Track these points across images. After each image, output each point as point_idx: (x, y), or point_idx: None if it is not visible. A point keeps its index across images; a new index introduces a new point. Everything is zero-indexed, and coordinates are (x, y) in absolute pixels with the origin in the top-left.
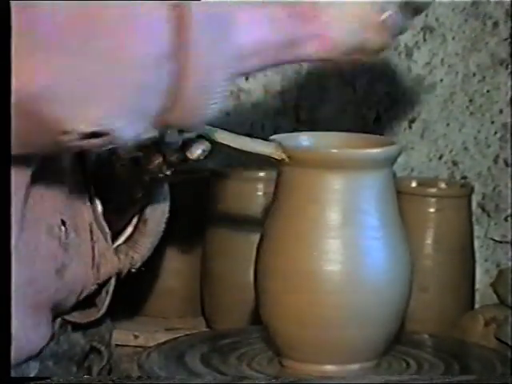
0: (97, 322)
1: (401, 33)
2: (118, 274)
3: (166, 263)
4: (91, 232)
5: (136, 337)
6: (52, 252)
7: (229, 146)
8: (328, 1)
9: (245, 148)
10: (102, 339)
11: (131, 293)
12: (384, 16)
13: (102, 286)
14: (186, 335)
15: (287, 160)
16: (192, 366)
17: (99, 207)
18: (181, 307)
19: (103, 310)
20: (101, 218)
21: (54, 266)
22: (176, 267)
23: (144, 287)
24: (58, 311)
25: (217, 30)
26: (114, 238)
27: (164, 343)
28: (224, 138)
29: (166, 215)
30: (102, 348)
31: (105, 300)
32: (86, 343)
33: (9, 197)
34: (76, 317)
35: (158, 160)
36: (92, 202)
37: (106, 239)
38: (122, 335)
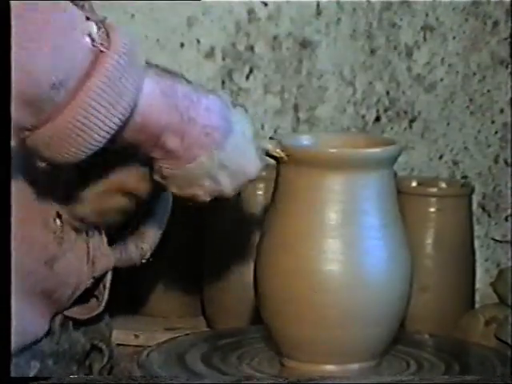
0: (97, 319)
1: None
2: (131, 266)
3: (166, 263)
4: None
5: (136, 336)
6: (43, 243)
7: None
8: None
9: None
10: (102, 337)
11: (131, 293)
12: None
13: (100, 280)
14: (186, 335)
15: (286, 158)
16: (192, 366)
17: None
18: (181, 307)
19: (103, 305)
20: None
21: (44, 256)
22: (176, 267)
23: (144, 287)
24: (56, 306)
25: (113, 97)
26: (119, 230)
27: (164, 343)
28: None
29: (170, 205)
30: (103, 346)
31: (103, 294)
32: (87, 342)
33: (9, 197)
34: (76, 312)
35: None
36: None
37: (100, 233)
38: (123, 335)
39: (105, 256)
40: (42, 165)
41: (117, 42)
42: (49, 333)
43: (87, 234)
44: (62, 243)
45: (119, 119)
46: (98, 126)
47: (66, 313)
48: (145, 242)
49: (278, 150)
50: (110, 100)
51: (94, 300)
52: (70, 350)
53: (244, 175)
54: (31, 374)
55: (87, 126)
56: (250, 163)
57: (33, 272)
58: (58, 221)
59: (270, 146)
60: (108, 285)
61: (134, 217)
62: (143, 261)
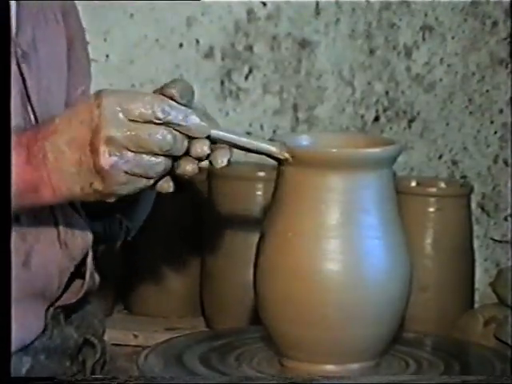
0: (88, 312)
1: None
2: (115, 243)
3: (165, 263)
4: (53, 211)
5: (135, 336)
6: (14, 246)
7: (233, 145)
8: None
9: (248, 146)
10: (95, 333)
11: (131, 293)
12: (101, 163)
13: (84, 262)
14: (186, 335)
15: (291, 160)
16: (191, 366)
17: None
18: (181, 307)
19: (86, 286)
20: None
21: (20, 260)
22: (176, 267)
23: (144, 287)
24: (48, 301)
25: None
26: (107, 209)
27: (163, 343)
28: (228, 136)
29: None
30: (96, 341)
31: (86, 274)
32: (79, 337)
33: (9, 197)
34: (65, 299)
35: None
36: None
37: (76, 211)
38: (122, 335)
39: (79, 236)
40: None
41: None
42: (45, 330)
43: (55, 220)
44: (26, 238)
45: None
46: None
47: (57, 303)
48: (130, 222)
49: (282, 152)
50: None
51: (79, 283)
52: (62, 346)
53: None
54: (23, 370)
55: None
56: None
57: (15, 277)
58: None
59: (275, 149)
60: (90, 264)
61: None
62: (128, 239)
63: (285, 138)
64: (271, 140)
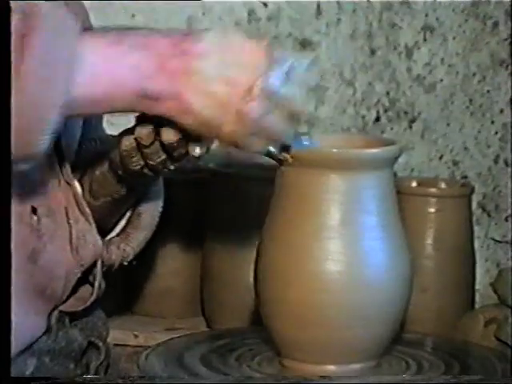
0: (91, 311)
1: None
2: (111, 267)
3: (165, 263)
4: (67, 215)
5: (136, 336)
6: (22, 239)
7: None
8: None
9: None
10: (99, 335)
11: (131, 293)
12: (247, 107)
13: (90, 270)
14: (186, 335)
15: (291, 160)
16: (191, 366)
17: (78, 189)
18: (181, 307)
19: (95, 293)
20: (80, 199)
21: (25, 252)
22: (176, 267)
23: (144, 287)
24: (51, 303)
25: (58, 67)
26: (109, 230)
27: (164, 343)
28: None
29: (160, 209)
30: (100, 344)
31: (95, 283)
32: (84, 339)
33: (9, 196)
34: (71, 305)
35: (163, 156)
36: (69, 184)
37: (87, 220)
38: (122, 335)
39: (91, 243)
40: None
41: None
42: (47, 330)
43: (68, 223)
44: (41, 236)
45: (61, 93)
46: (45, 105)
47: (62, 308)
48: (128, 245)
49: (283, 154)
50: (45, 78)
51: (86, 291)
52: (66, 348)
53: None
54: (28, 372)
55: (32, 109)
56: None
57: (18, 270)
58: (33, 216)
59: (275, 150)
60: (99, 273)
61: (120, 218)
62: (125, 263)
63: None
64: None
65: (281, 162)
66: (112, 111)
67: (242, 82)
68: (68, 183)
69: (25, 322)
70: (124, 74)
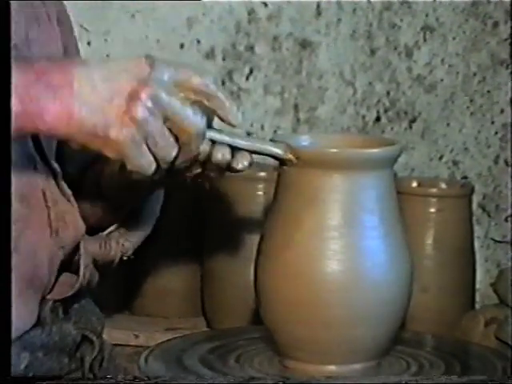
0: (86, 309)
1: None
2: (111, 263)
3: (166, 263)
4: (44, 197)
5: (136, 336)
6: None
7: (238, 148)
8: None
9: (253, 149)
10: (93, 330)
11: (131, 293)
12: (131, 108)
13: (74, 254)
14: (186, 335)
15: (295, 161)
16: (191, 366)
17: (57, 169)
18: (181, 307)
19: (81, 277)
20: (60, 181)
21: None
22: (176, 267)
23: (144, 287)
24: (39, 291)
25: None
26: (106, 226)
27: (164, 343)
28: (233, 140)
29: (160, 205)
30: (94, 338)
31: (80, 267)
32: (78, 334)
33: (9, 195)
34: (58, 293)
35: (198, 170)
36: (47, 166)
37: (68, 201)
38: (123, 335)
39: (71, 224)
40: None
41: None
42: (39, 322)
43: (47, 206)
44: (15, 223)
45: None
46: None
47: (50, 296)
48: (127, 240)
49: (287, 154)
50: None
51: (73, 277)
52: (60, 342)
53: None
54: (21, 366)
55: None
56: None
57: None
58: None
59: (280, 151)
60: (83, 256)
61: (121, 214)
62: (124, 258)
63: (285, 139)
64: (273, 141)
65: (284, 162)
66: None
67: (125, 86)
68: (47, 165)
69: (14, 313)
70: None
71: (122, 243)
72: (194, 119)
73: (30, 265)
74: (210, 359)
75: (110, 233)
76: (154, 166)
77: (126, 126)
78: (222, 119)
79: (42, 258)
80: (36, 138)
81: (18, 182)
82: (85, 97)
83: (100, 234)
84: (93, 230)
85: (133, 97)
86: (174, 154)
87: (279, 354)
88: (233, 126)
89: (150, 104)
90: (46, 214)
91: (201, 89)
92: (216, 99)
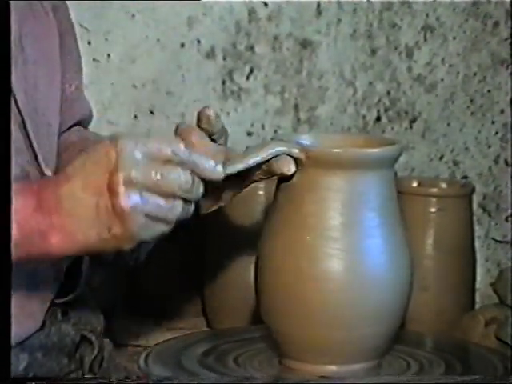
0: (86, 310)
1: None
2: (126, 268)
3: (166, 263)
4: None
5: (136, 336)
6: None
7: (255, 166)
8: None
9: (269, 156)
10: (93, 330)
11: (131, 293)
12: (121, 204)
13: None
14: (187, 335)
15: (305, 160)
16: (191, 366)
17: (47, 171)
18: (181, 307)
19: (83, 281)
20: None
21: None
22: (177, 267)
23: (144, 287)
24: (46, 296)
25: None
26: None
27: (164, 342)
28: (246, 163)
29: None
30: (93, 338)
31: (82, 270)
32: (76, 334)
33: (9, 195)
34: (59, 297)
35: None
36: (42, 174)
37: None
38: (123, 335)
39: None
40: None
41: None
42: (43, 326)
43: None
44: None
45: None
46: None
47: (56, 299)
48: (141, 247)
49: (297, 152)
50: None
51: (72, 280)
52: (59, 343)
53: None
54: (20, 367)
55: None
56: None
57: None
58: None
59: (296, 151)
60: (86, 261)
61: None
62: (139, 262)
63: (285, 138)
64: (278, 140)
65: (296, 162)
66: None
67: (101, 184)
68: (41, 173)
69: (20, 318)
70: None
71: (136, 250)
72: (181, 176)
73: (33, 276)
74: (210, 359)
75: None
76: (170, 227)
77: (123, 219)
78: (203, 178)
79: (47, 270)
80: (32, 150)
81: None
82: (75, 213)
83: None
84: None
85: (111, 191)
86: (180, 210)
87: (279, 354)
88: (217, 180)
89: (129, 190)
90: None
91: (172, 159)
92: (190, 163)
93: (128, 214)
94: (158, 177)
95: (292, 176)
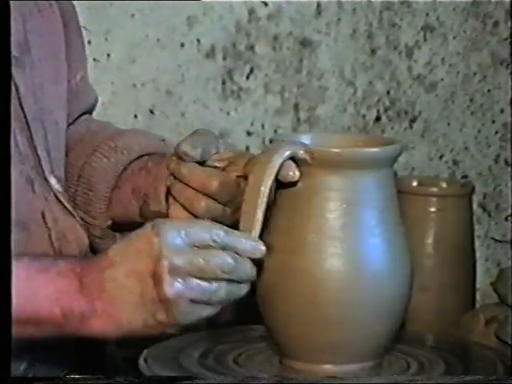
0: None
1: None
2: None
3: None
4: (44, 219)
5: None
6: None
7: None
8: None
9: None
10: None
11: None
12: (165, 292)
13: None
14: (186, 335)
15: (310, 161)
16: (190, 366)
17: (56, 186)
18: None
19: None
20: (60, 197)
21: None
22: None
23: None
24: None
25: None
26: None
27: (163, 342)
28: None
29: None
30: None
31: None
32: None
33: (9, 196)
34: None
35: None
36: (46, 183)
37: (70, 213)
38: None
39: (74, 240)
40: None
41: None
42: None
43: (47, 227)
44: (17, 249)
45: None
46: None
47: None
48: None
49: (304, 154)
50: None
51: None
52: (59, 342)
53: None
54: (21, 367)
55: None
56: None
57: None
58: None
59: (302, 152)
60: None
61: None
62: None
63: (285, 138)
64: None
65: (298, 163)
66: (44, 335)
67: (145, 272)
68: (45, 180)
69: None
70: (49, 299)
71: None
72: (221, 259)
73: None
74: (210, 359)
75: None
76: (215, 309)
77: (168, 307)
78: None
79: None
80: (36, 155)
81: (17, 210)
82: (119, 298)
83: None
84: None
85: (156, 279)
86: (224, 292)
87: (279, 354)
88: (261, 257)
89: (173, 277)
90: (47, 236)
91: (213, 245)
92: (231, 245)
93: (172, 301)
94: (201, 262)
95: (297, 182)
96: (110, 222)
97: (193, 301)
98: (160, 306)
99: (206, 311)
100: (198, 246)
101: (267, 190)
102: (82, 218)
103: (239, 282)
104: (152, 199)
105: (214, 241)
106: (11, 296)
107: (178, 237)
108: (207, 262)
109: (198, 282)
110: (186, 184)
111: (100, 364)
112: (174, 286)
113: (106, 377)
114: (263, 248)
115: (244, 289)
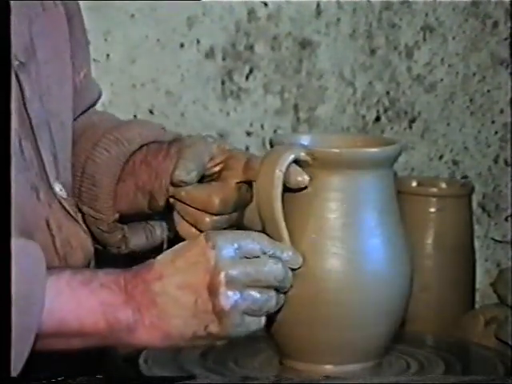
0: None
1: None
2: (160, 246)
3: None
4: (48, 226)
5: None
6: None
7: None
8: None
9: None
10: None
11: None
12: (222, 304)
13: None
14: None
15: (311, 162)
16: (190, 367)
17: (60, 193)
18: None
19: None
20: (64, 203)
21: None
22: None
23: None
24: None
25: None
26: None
27: None
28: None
29: None
30: None
31: None
32: None
33: (9, 197)
34: None
35: None
36: (50, 189)
37: (74, 219)
38: None
39: (79, 247)
40: None
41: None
42: None
43: (51, 234)
44: None
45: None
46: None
47: None
48: (154, 228)
49: (304, 155)
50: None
51: None
52: None
53: None
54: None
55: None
56: None
57: None
58: None
59: (303, 154)
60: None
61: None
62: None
63: (285, 139)
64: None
65: (300, 164)
66: (87, 346)
67: (201, 284)
68: (50, 187)
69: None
70: (94, 310)
71: (167, 227)
72: (275, 268)
73: None
74: (209, 359)
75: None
76: (262, 323)
77: (221, 318)
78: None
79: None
80: (41, 162)
81: (22, 219)
82: (170, 311)
83: (141, 223)
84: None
85: (212, 291)
86: (274, 301)
87: (279, 354)
88: (298, 268)
89: (230, 289)
90: (51, 243)
91: (261, 255)
92: (276, 255)
93: (228, 313)
94: (256, 272)
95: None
96: (117, 216)
97: (245, 312)
98: (213, 317)
99: (255, 324)
100: (247, 257)
101: (279, 204)
102: (88, 214)
103: (282, 292)
104: (159, 195)
105: (263, 251)
106: (11, 296)
107: (231, 249)
108: (261, 271)
109: (252, 292)
110: (189, 205)
111: (100, 364)
112: (230, 298)
113: (106, 377)
114: (300, 259)
115: (283, 298)
